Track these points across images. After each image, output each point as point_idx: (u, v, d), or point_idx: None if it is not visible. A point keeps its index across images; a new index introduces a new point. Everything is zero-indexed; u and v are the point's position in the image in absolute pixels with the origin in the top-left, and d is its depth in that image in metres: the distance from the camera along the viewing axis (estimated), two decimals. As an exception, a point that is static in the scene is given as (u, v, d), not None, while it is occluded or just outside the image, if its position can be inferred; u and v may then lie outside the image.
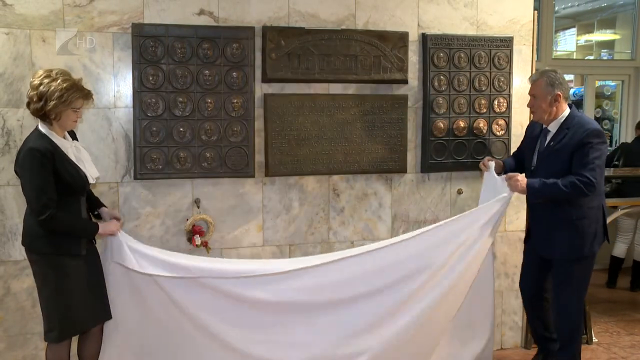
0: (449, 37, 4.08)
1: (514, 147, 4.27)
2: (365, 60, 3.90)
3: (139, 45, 3.51)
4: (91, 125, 3.51)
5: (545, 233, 3.52)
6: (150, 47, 3.53)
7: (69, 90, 2.83)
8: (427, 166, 4.10)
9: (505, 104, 4.23)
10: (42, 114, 2.85)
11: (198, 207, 3.71)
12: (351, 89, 3.96)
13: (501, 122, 4.24)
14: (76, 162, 2.94)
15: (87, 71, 3.50)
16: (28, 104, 2.90)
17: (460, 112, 4.13)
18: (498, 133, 4.22)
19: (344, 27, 3.89)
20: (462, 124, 4.12)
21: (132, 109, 3.58)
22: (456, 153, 4.14)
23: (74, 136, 3.13)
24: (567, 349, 3.61)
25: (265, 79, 3.76)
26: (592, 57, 8.34)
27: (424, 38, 4.05)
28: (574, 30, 8.52)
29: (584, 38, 8.51)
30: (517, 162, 3.84)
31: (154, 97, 3.57)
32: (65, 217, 2.85)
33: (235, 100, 3.69)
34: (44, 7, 3.40)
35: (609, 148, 7.19)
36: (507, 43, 4.19)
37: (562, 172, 3.32)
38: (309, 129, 3.84)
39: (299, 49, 3.77)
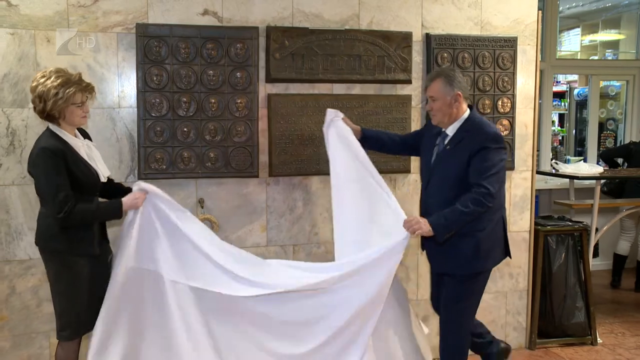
0: (453, 37, 4.12)
1: (518, 148, 4.36)
2: (369, 61, 3.93)
3: (143, 46, 3.57)
4: (95, 125, 3.58)
5: (438, 245, 3.16)
6: (155, 47, 3.59)
7: (64, 86, 2.85)
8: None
9: (509, 105, 4.28)
10: (47, 115, 2.90)
11: (202, 207, 3.74)
12: (355, 89, 3.99)
13: (505, 122, 4.29)
14: (88, 161, 2.98)
15: (91, 71, 3.57)
16: (34, 108, 2.96)
17: None
18: (502, 133, 4.05)
19: (347, 27, 3.93)
20: None
21: (136, 109, 3.63)
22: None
23: (86, 136, 3.17)
24: None
25: (269, 79, 3.80)
26: (596, 57, 8.38)
27: (428, 38, 4.08)
28: (578, 30, 8.59)
29: (589, 38, 8.57)
30: (395, 142, 3.57)
31: (158, 97, 3.62)
32: (84, 207, 2.86)
33: (239, 100, 3.74)
34: (49, 8, 3.48)
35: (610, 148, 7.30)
36: (511, 43, 4.23)
37: (457, 176, 3.07)
38: (313, 129, 3.86)
39: (302, 49, 3.81)
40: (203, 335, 3.01)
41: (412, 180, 4.16)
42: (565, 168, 5.76)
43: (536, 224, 4.61)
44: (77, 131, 3.04)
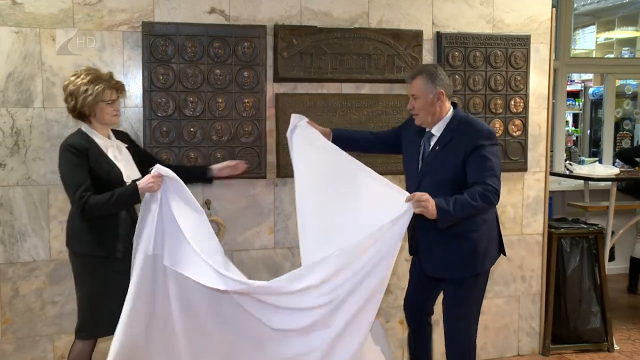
0: (465, 35, 4.11)
1: (531, 148, 4.34)
2: (378, 60, 3.92)
3: (149, 44, 3.57)
4: None
5: (433, 249, 3.12)
6: (161, 46, 3.59)
7: (93, 83, 2.94)
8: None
9: (521, 104, 4.26)
10: (78, 113, 2.98)
11: (209, 209, 3.74)
12: (364, 88, 3.99)
13: (518, 122, 4.27)
14: (113, 160, 3.01)
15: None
16: (67, 108, 3.03)
17: (475, 112, 4.15)
18: (514, 134, 4.26)
19: (357, 25, 3.92)
20: None
21: (142, 109, 3.64)
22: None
23: (125, 139, 3.21)
24: None
25: (277, 79, 3.80)
26: (612, 56, 8.34)
27: (439, 37, 4.07)
28: (593, 28, 8.55)
29: (604, 35, 8.53)
30: (369, 140, 3.46)
31: (164, 96, 3.62)
32: (99, 197, 2.86)
33: (246, 100, 3.74)
34: (54, 6, 3.49)
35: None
36: (524, 42, 4.21)
37: (453, 177, 3.00)
38: None
39: (311, 47, 3.80)
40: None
41: None
42: (579, 169, 5.73)
43: (550, 226, 4.58)
44: (110, 132, 3.10)
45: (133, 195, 2.90)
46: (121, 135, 3.23)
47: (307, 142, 3.28)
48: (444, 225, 2.89)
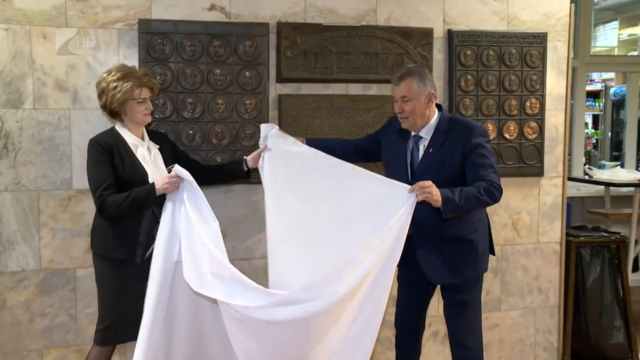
0: (477, 33, 4.06)
1: (547, 152, 4.28)
2: (387, 59, 3.89)
3: (145, 43, 3.54)
4: (93, 127, 3.46)
5: (434, 256, 3.10)
6: (158, 44, 3.56)
7: (122, 79, 2.97)
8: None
9: (537, 106, 4.20)
10: (109, 112, 3.03)
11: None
12: (372, 89, 3.95)
13: (533, 124, 4.20)
14: (140, 160, 3.02)
15: (90, 70, 3.52)
16: (100, 105, 3.09)
17: (488, 114, 4.11)
18: (530, 137, 4.19)
19: (364, 23, 3.89)
20: (490, 127, 4.10)
21: None
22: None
23: (161, 139, 3.22)
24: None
25: (280, 79, 3.78)
26: (635, 53, 8.26)
27: (450, 34, 4.03)
28: (615, 24, 8.46)
29: (627, 32, 8.43)
30: (344, 149, 3.38)
31: (161, 97, 3.59)
32: (116, 196, 2.89)
33: (248, 102, 3.71)
34: (45, 2, 3.43)
35: None
36: (540, 39, 4.16)
37: (452, 178, 2.99)
38: (327, 132, 3.83)
39: (316, 46, 3.77)
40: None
41: None
42: (600, 174, 5.65)
43: (568, 234, 4.49)
44: (145, 132, 3.13)
45: (149, 196, 2.91)
46: (158, 137, 3.24)
47: (282, 151, 3.24)
48: (448, 214, 2.88)
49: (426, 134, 3.12)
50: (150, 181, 2.99)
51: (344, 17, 3.87)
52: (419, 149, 3.13)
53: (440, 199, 2.81)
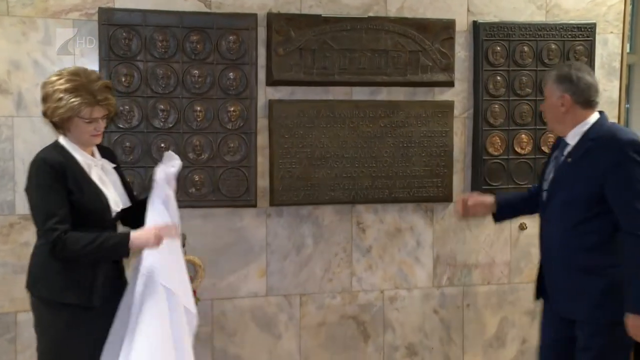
0: (509, 25, 3.95)
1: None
2: (398, 57, 3.80)
3: (107, 37, 3.45)
4: (42, 139, 3.28)
5: (562, 285, 3.01)
6: (123, 39, 3.47)
7: (72, 92, 2.69)
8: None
9: None
10: (51, 122, 2.78)
11: (184, 246, 3.41)
12: (381, 94, 3.86)
13: None
14: (98, 184, 2.81)
15: (39, 69, 3.40)
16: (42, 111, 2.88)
17: (522, 123, 3.98)
18: None
19: (371, 14, 3.80)
20: (525, 138, 3.96)
21: None
22: (518, 176, 3.96)
23: (110, 156, 3.01)
24: None
25: (271, 81, 3.69)
26: None
27: (476, 27, 3.94)
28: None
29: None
30: (524, 200, 3.39)
31: (127, 103, 3.50)
32: (78, 235, 2.66)
33: (232, 108, 3.62)
34: (-18, -15, 3.35)
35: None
36: (587, 32, 4.04)
37: (586, 195, 2.90)
38: (327, 145, 3.75)
39: (313, 42, 3.69)
40: None
41: (456, 212, 3.91)
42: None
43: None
44: (95, 149, 2.93)
45: (119, 248, 2.72)
46: (108, 153, 3.03)
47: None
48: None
49: (571, 139, 3.03)
50: (113, 208, 2.82)
51: (347, 6, 3.79)
52: (562, 157, 3.07)
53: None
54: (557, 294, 3.07)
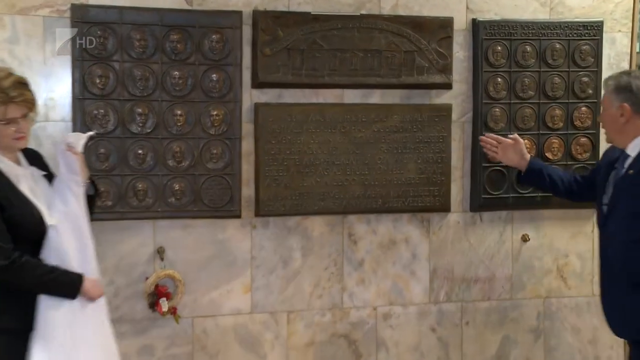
0: (511, 23, 3.90)
1: (604, 174, 4.20)
2: (393, 58, 3.76)
3: (80, 35, 3.37)
4: None
5: (617, 302, 3.08)
6: (97, 37, 3.39)
7: None
8: (479, 203, 3.90)
9: (589, 116, 4.01)
10: None
11: (162, 260, 3.54)
12: (373, 96, 3.81)
13: (584, 141, 4.02)
14: (29, 196, 2.72)
15: None
16: None
17: (525, 127, 3.91)
18: (579, 156, 4.01)
19: (364, 11, 3.75)
20: (527, 144, 3.82)
21: (70, 123, 3.42)
22: (520, 184, 3.88)
23: (38, 162, 2.91)
24: None
25: (257, 84, 3.64)
26: None
27: (475, 25, 3.88)
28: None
29: None
30: (569, 188, 3.51)
31: (101, 106, 3.42)
32: (40, 264, 2.65)
33: (215, 112, 3.57)
34: None
35: None
36: (594, 30, 3.97)
37: None
38: (316, 151, 3.70)
39: (302, 42, 3.65)
40: None
41: (453, 222, 3.94)
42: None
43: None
44: (20, 155, 2.82)
45: (70, 288, 2.70)
46: (36, 158, 2.93)
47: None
48: None
49: (632, 150, 3.09)
50: (47, 222, 2.71)
51: (338, 4, 3.73)
52: (622, 170, 3.11)
53: None
54: (620, 313, 3.09)
